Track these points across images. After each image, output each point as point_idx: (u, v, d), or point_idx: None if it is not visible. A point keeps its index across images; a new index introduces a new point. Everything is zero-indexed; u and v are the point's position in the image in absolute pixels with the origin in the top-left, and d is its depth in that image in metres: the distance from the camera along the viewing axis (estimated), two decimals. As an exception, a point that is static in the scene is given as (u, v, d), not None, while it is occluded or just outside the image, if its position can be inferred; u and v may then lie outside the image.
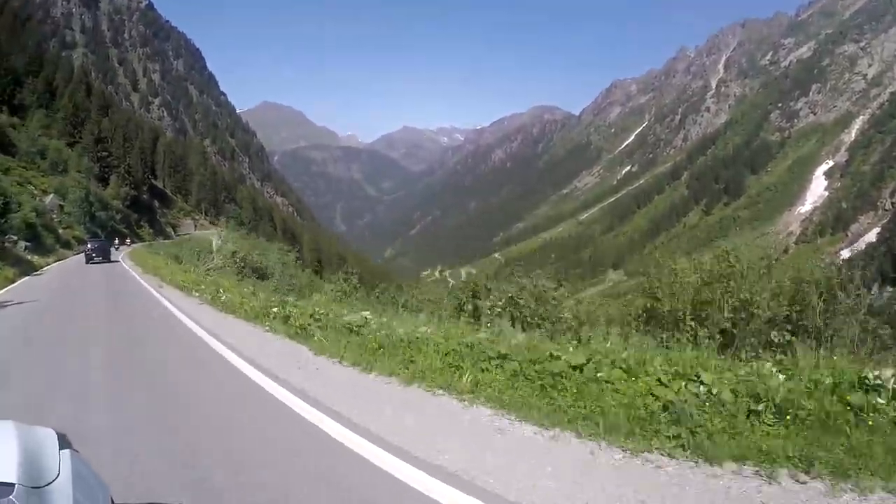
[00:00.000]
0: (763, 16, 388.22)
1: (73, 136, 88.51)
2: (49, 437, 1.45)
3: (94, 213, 65.82)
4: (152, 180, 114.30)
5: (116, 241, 58.67)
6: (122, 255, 45.68)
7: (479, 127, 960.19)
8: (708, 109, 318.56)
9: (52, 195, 61.90)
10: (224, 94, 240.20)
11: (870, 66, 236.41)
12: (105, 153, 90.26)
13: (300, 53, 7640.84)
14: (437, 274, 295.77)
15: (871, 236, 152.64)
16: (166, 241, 77.56)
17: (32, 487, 1.20)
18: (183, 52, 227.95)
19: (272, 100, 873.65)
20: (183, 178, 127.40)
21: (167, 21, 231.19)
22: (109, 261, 38.22)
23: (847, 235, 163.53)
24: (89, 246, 38.59)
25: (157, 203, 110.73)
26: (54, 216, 57.30)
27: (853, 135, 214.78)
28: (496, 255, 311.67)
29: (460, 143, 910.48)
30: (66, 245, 52.67)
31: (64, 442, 1.47)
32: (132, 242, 67.84)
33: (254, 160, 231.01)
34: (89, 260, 36.99)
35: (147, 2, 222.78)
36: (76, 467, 1.39)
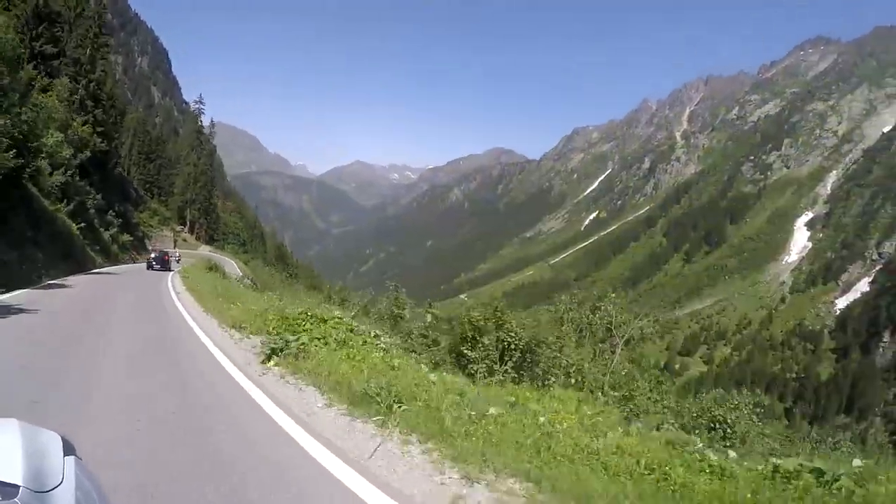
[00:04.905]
0: (724, 73, 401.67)
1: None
2: (54, 441, 1.40)
3: None
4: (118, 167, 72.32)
5: (177, 253, 53.14)
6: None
7: (432, 166, 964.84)
8: (678, 159, 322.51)
9: None
10: (187, 103, 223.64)
11: (839, 123, 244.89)
12: (51, 45, 45.69)
13: (257, 79, 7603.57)
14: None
15: (863, 286, 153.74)
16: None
17: (36, 491, 1.15)
18: (149, 49, 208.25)
19: (226, 121, 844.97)
20: (158, 172, 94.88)
21: (136, 14, 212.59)
22: (169, 269, 38.89)
23: (839, 285, 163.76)
24: (153, 255, 42.15)
25: (134, 191, 77.28)
26: None
27: (828, 188, 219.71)
28: (463, 296, 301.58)
29: (413, 181, 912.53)
30: None
31: (69, 448, 1.41)
32: (179, 258, 49.95)
33: (216, 176, 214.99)
34: (150, 267, 39.79)
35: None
36: (80, 475, 1.34)
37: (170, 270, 38.41)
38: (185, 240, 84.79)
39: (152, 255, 42.51)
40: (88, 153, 44.61)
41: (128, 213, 60.87)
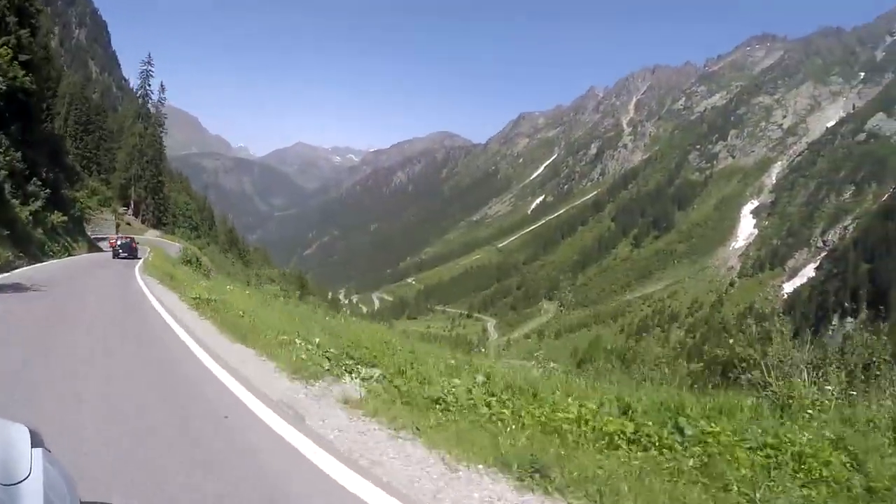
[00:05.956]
0: (672, 64, 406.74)
1: None
2: (21, 433, 1.34)
3: None
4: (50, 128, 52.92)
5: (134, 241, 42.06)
6: None
7: (375, 149, 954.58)
8: (625, 146, 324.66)
9: None
10: (126, 80, 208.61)
11: (784, 117, 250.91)
12: None
13: (197, 58, 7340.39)
14: (342, 298, 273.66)
15: (809, 271, 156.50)
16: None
17: (3, 485, 1.10)
18: (88, 21, 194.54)
19: (168, 101, 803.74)
20: (97, 146, 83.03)
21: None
22: (137, 258, 36.84)
23: (785, 270, 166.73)
24: (118, 242, 39.59)
25: (69, 158, 62.85)
26: None
27: (773, 178, 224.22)
28: (410, 280, 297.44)
29: (355, 163, 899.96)
30: None
31: (36, 439, 1.35)
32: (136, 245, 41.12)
33: (158, 156, 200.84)
34: (116, 255, 37.71)
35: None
36: (48, 467, 1.27)
37: (137, 259, 36.35)
38: (129, 224, 74.32)
39: (118, 243, 39.82)
40: (4, 87, 30.34)
41: (60, 183, 43.52)
